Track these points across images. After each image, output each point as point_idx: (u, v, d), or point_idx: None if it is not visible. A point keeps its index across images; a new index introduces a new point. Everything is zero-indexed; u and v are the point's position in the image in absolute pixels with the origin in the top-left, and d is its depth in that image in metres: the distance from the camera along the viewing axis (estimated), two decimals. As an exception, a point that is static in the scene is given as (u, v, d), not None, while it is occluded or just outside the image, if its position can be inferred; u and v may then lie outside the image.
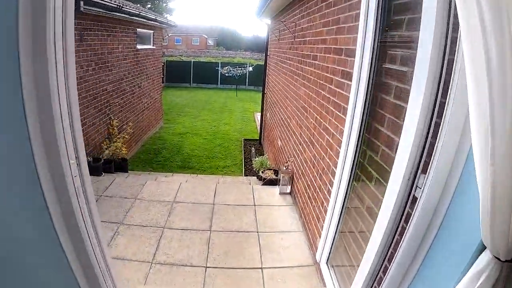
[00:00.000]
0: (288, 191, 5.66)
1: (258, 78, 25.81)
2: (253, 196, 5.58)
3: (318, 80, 4.04)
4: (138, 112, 10.22)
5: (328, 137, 3.56)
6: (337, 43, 3.35)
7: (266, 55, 10.30)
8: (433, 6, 1.45)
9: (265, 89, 10.51)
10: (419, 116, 1.57)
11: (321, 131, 3.83)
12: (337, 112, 3.25)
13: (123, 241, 4.34)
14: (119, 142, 7.74)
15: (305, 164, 4.67)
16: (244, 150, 10.66)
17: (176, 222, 4.79)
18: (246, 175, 8.70)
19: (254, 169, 7.03)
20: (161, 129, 12.89)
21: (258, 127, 13.54)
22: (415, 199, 1.63)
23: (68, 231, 1.68)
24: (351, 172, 2.77)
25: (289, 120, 6.09)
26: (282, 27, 7.32)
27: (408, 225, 1.62)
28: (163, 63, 24.65)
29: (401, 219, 1.78)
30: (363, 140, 2.64)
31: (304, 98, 4.88)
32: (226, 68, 24.51)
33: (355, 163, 2.74)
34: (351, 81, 2.88)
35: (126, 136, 8.33)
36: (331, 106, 3.47)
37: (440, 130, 1.44)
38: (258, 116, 15.79)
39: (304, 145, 4.75)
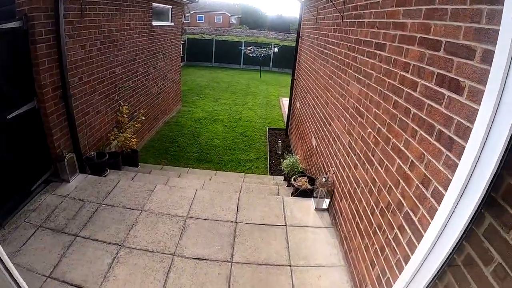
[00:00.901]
0: (326, 206, 4.66)
1: (283, 60, 24.73)
2: (284, 212, 4.60)
3: (387, 79, 2.94)
4: (152, 95, 9.27)
5: (402, 164, 2.51)
6: (429, 31, 2.25)
7: (298, 36, 9.12)
8: None
9: (295, 75, 9.38)
10: None
11: (389, 151, 2.77)
12: (425, 134, 2.19)
13: (124, 272, 3.47)
14: (128, 132, 6.82)
15: (355, 184, 3.63)
16: (269, 141, 9.63)
17: (189, 247, 3.86)
18: (272, 173, 7.72)
19: (283, 172, 6.02)
20: (179, 113, 11.95)
21: (285, 116, 12.46)
22: None
23: None
24: (457, 243, 1.73)
25: (330, 120, 5.03)
26: (322, 4, 6.18)
27: None
28: (183, 41, 23.68)
29: None
30: (486, 199, 1.59)
31: (358, 98, 3.80)
32: (250, 48, 23.19)
33: (468, 229, 1.69)
34: (458, 94, 1.84)
35: (137, 125, 7.39)
36: (412, 122, 2.40)
37: None
38: (284, 101, 14.70)
39: (356, 159, 3.70)
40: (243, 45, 24.86)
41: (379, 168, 2.97)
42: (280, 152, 8.76)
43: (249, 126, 11.01)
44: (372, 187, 3.10)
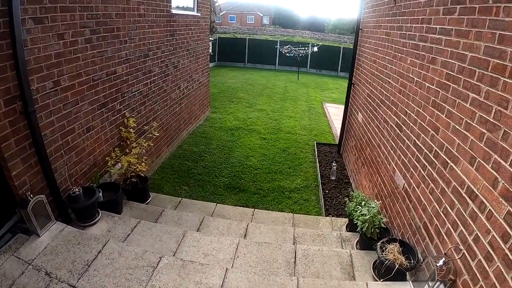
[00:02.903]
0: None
1: (321, 60, 22.67)
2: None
3: None
4: (173, 102, 7.42)
5: None
6: None
7: (358, 30, 7.04)
8: None
9: (353, 79, 7.30)
10: None
11: None
12: None
13: None
14: (133, 156, 4.98)
15: None
16: (318, 161, 7.57)
17: None
18: (327, 209, 5.69)
19: (357, 226, 3.97)
20: (206, 121, 10.07)
21: (333, 126, 10.38)
22: None
23: None
24: None
25: (446, 158, 2.94)
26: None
27: None
28: (214, 39, 22.09)
29: None
30: None
31: None
32: (287, 47, 21.02)
33: None
34: None
35: (146, 144, 5.52)
36: None
37: None
38: (329, 108, 12.66)
39: None
40: (278, 44, 22.84)
41: None
42: (334, 178, 6.73)
43: (292, 140, 8.97)
44: None
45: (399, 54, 4.53)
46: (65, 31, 3.74)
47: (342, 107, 13.53)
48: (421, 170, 3.54)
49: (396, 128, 4.41)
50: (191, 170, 6.93)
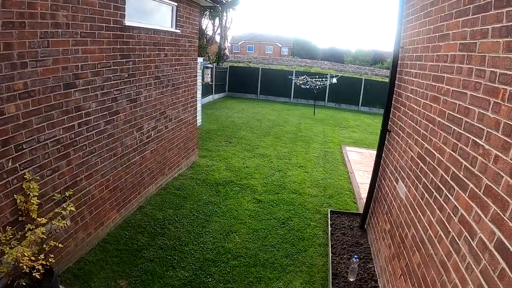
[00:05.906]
0: None
1: (340, 93, 20.69)
2: None
3: None
4: (128, 149, 5.29)
5: None
6: None
7: (397, 51, 4.80)
8: None
9: (390, 124, 5.02)
10: None
11: None
12: None
13: None
14: (28, 244, 2.88)
15: None
16: (331, 245, 5.18)
17: None
18: None
19: None
20: (190, 170, 7.82)
21: (354, 181, 8.01)
22: None
23: None
24: None
25: None
26: None
27: None
28: (223, 68, 20.57)
29: None
30: None
31: None
32: (303, 78, 18.79)
33: None
34: None
35: (42, 232, 3.28)
36: None
37: None
38: (349, 153, 10.37)
39: None
40: (293, 75, 20.77)
41: None
42: (353, 280, 4.38)
43: (297, 204, 6.57)
44: None
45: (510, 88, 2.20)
46: None
47: (366, 151, 11.30)
48: None
49: (499, 255, 2.08)
50: (141, 252, 4.68)
